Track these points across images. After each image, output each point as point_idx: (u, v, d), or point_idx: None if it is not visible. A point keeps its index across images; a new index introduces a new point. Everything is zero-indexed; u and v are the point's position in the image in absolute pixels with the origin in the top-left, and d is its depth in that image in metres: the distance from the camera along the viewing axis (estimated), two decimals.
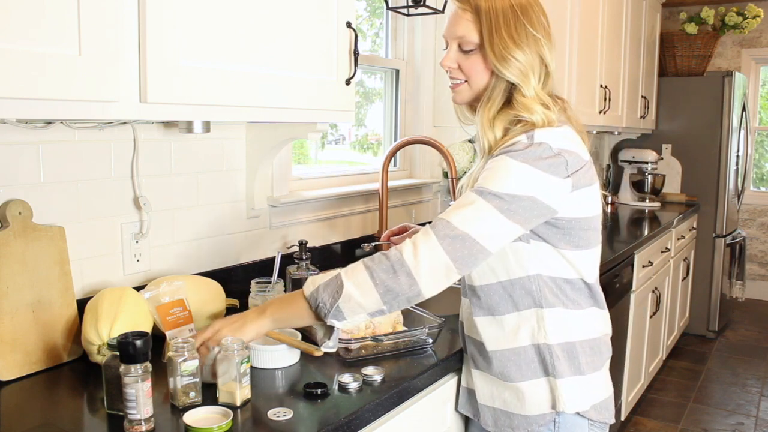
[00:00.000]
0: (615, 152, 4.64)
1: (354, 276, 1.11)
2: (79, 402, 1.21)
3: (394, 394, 1.23)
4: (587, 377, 1.27)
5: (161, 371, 1.20)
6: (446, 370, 1.41)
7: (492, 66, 1.20)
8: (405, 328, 1.50)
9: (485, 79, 1.23)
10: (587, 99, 3.31)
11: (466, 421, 1.48)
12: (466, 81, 1.25)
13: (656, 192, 4.37)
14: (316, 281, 1.15)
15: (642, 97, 4.15)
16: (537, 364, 1.25)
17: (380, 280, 1.10)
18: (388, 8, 2.42)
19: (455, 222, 1.11)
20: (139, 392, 1.02)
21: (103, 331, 1.26)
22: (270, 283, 1.50)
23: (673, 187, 4.56)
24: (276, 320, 1.20)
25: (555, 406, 1.25)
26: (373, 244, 1.74)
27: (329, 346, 1.18)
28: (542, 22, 1.22)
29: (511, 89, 1.22)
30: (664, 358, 3.89)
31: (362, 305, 1.11)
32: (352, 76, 1.57)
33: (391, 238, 1.58)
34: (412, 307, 1.60)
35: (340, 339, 1.38)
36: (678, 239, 3.88)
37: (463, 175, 2.61)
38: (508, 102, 1.22)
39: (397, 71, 2.64)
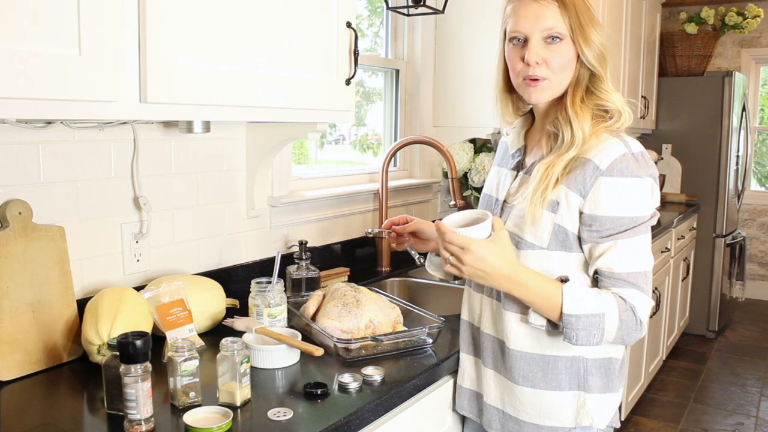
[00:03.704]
0: None
1: (611, 328, 1.15)
2: (79, 402, 1.21)
3: (394, 394, 1.23)
4: (618, 393, 1.28)
5: (161, 371, 1.21)
6: (446, 370, 1.41)
7: (579, 52, 1.20)
8: (405, 328, 1.50)
9: (571, 71, 1.22)
10: None
11: (463, 419, 1.48)
12: (546, 78, 1.22)
13: None
14: (582, 305, 1.14)
15: (642, 97, 4.15)
16: (567, 375, 1.24)
17: (620, 336, 1.16)
18: (388, 8, 2.42)
19: (644, 268, 1.17)
20: (139, 392, 1.02)
21: (103, 331, 1.26)
22: (270, 283, 1.50)
23: (673, 187, 4.56)
24: (518, 298, 1.19)
25: (580, 421, 1.24)
26: (376, 230, 1.73)
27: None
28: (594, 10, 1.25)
29: (590, 79, 1.23)
30: (664, 358, 3.89)
31: (598, 343, 1.17)
32: (352, 76, 1.57)
33: (393, 227, 1.56)
34: (411, 306, 1.61)
35: (339, 339, 1.38)
36: (678, 239, 3.88)
37: (463, 175, 2.61)
38: (588, 91, 1.23)
39: (397, 71, 2.64)
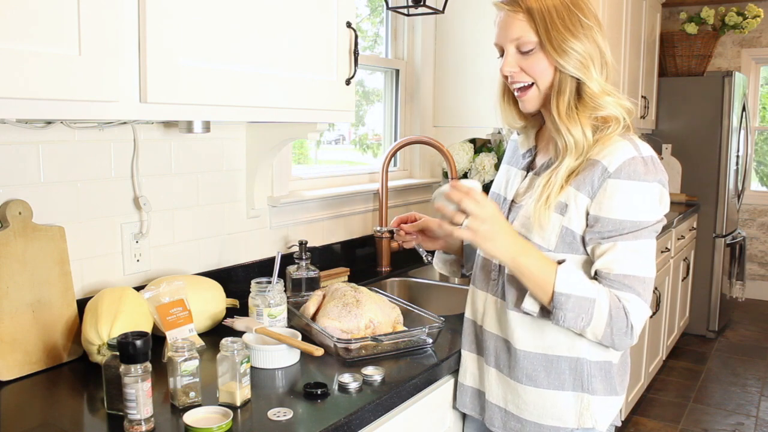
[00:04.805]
0: None
1: (599, 318, 1.15)
2: (79, 402, 1.21)
3: (394, 394, 1.23)
4: (621, 397, 1.28)
5: (161, 371, 1.21)
6: (446, 370, 1.41)
7: (554, 62, 1.19)
8: (405, 328, 1.50)
9: (550, 76, 1.21)
10: None
11: (463, 419, 1.48)
12: (532, 84, 1.22)
13: None
14: (574, 286, 1.15)
15: (642, 97, 4.15)
16: (571, 376, 1.24)
17: (609, 334, 1.16)
18: (388, 8, 2.42)
19: (643, 273, 1.17)
20: (139, 392, 1.02)
21: (103, 331, 1.26)
22: (270, 283, 1.50)
23: (673, 187, 4.56)
24: (516, 269, 1.19)
25: (583, 422, 1.24)
26: (384, 228, 1.73)
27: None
28: (592, 10, 1.22)
29: (579, 85, 1.20)
30: (664, 358, 3.89)
31: (583, 333, 1.18)
32: (352, 76, 1.57)
33: (401, 225, 1.55)
34: (411, 306, 1.61)
35: (339, 339, 1.38)
36: (678, 239, 3.88)
37: (463, 175, 2.61)
38: (579, 98, 1.21)
39: (397, 71, 2.64)
